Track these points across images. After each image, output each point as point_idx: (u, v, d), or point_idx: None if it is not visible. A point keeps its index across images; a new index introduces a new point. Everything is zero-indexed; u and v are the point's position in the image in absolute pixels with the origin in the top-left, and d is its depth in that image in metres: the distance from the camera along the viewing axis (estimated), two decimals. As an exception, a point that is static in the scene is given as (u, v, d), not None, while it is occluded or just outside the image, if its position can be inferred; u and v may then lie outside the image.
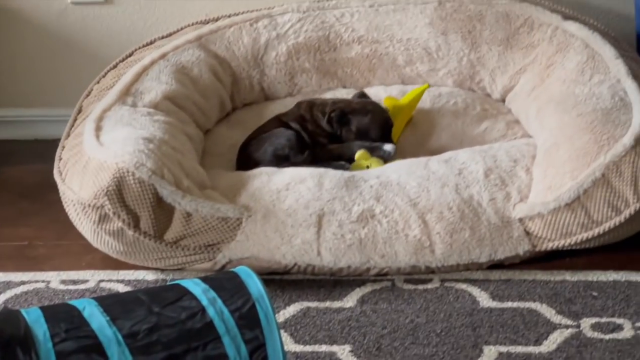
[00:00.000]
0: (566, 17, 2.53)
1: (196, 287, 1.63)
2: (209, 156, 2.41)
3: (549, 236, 2.07)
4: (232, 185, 2.18)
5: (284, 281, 2.08)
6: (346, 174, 2.19)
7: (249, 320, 1.59)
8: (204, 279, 1.65)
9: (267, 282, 2.03)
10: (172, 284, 1.66)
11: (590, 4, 2.71)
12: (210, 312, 1.58)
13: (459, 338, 1.85)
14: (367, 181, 2.15)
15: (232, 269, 1.69)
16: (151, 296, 1.61)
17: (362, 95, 2.48)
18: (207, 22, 2.66)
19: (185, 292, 1.61)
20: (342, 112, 2.37)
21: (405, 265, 2.07)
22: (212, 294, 1.61)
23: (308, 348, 1.86)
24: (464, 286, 2.02)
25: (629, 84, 2.24)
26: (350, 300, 2.00)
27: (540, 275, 2.04)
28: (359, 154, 2.33)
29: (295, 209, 2.09)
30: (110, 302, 1.60)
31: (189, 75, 2.50)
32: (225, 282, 1.64)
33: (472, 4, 2.59)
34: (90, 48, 2.82)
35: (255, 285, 1.63)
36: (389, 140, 2.37)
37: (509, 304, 1.95)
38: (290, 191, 2.13)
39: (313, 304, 1.99)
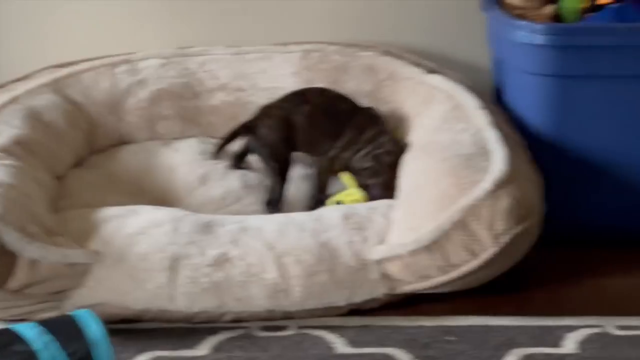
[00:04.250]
0: (429, 70, 2.57)
1: (30, 331, 1.55)
2: (61, 199, 2.31)
3: (407, 278, 2.05)
4: (84, 230, 2.09)
5: (135, 330, 2.00)
6: (205, 218, 2.14)
7: (86, 364, 1.51)
8: (40, 322, 1.58)
9: (117, 331, 1.97)
10: (4, 328, 1.58)
11: (451, 58, 2.76)
12: (44, 356, 1.51)
13: (314, 384, 1.81)
14: (225, 226, 2.11)
15: (71, 312, 1.61)
16: (-21, 341, 1.52)
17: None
18: (63, 65, 2.58)
19: (18, 336, 1.53)
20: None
21: (261, 309, 2.02)
22: (47, 337, 1.54)
23: (156, 398, 1.78)
24: (321, 332, 1.98)
25: (490, 132, 2.27)
26: (204, 348, 1.93)
27: (399, 321, 2.02)
28: (345, 177, 2.35)
29: (148, 253, 2.03)
30: None
31: (41, 121, 2.40)
32: (62, 325, 1.57)
33: (337, 55, 2.60)
34: None
35: (94, 329, 1.56)
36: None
37: (366, 350, 1.91)
38: (145, 235, 2.07)
39: (165, 353, 1.92)
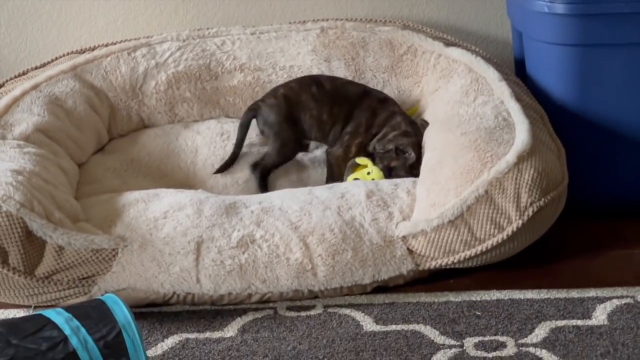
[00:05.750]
0: (448, 43, 2.54)
1: (59, 317, 1.55)
2: (84, 185, 2.32)
3: (432, 254, 2.04)
4: (107, 215, 2.09)
5: (162, 313, 2.00)
6: (228, 200, 2.13)
7: (115, 348, 1.52)
8: (68, 308, 1.58)
9: (144, 315, 1.98)
10: (32, 314, 1.58)
11: (470, 31, 2.73)
12: (74, 341, 1.50)
13: (342, 363, 1.80)
14: (249, 207, 2.10)
15: (99, 297, 1.61)
16: (9, 327, 1.52)
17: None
18: (83, 51, 2.58)
19: (47, 322, 1.53)
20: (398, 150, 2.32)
21: (287, 290, 2.01)
22: (76, 322, 1.53)
23: (186, 380, 1.79)
24: (347, 311, 1.97)
25: (512, 105, 2.25)
26: (231, 330, 1.93)
27: (424, 297, 2.01)
28: (360, 159, 2.33)
29: (173, 237, 2.02)
30: (-35, 337, 1.50)
31: (63, 107, 2.41)
32: (90, 310, 1.56)
33: (354, 31, 2.57)
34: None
35: (121, 312, 1.56)
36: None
37: (393, 327, 1.90)
38: (168, 219, 2.06)
39: (192, 335, 1.91)
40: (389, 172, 2.31)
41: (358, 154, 2.36)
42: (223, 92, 2.57)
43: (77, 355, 1.49)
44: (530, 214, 2.04)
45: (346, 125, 2.38)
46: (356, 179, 2.30)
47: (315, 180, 2.38)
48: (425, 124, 2.36)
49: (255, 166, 2.36)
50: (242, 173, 2.38)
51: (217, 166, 2.40)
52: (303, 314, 1.97)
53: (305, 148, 2.45)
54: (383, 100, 2.41)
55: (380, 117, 2.37)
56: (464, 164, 2.11)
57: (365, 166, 2.33)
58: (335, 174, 2.35)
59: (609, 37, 2.21)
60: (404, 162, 2.30)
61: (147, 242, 2.02)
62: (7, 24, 2.69)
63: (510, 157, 2.08)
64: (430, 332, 1.88)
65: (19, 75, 2.52)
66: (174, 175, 2.40)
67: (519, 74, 2.52)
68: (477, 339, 1.85)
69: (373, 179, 2.27)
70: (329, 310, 1.98)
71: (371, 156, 2.36)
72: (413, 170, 2.26)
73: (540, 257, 2.14)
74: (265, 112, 2.38)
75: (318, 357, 1.82)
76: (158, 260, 2.01)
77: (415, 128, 2.35)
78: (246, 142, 2.43)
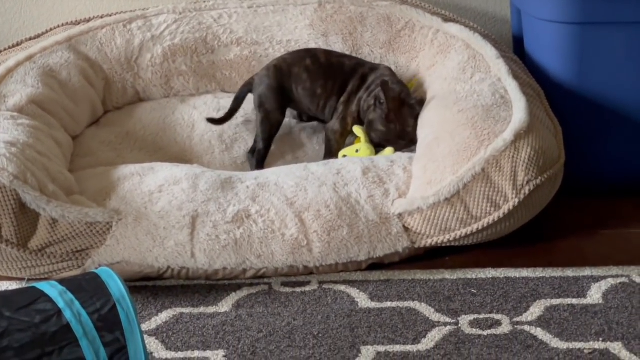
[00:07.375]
0: (446, 19, 2.53)
1: (52, 290, 1.53)
2: (78, 158, 2.31)
3: (428, 232, 2.04)
4: (102, 188, 2.08)
5: (157, 287, 2.00)
6: (224, 175, 2.12)
7: (109, 322, 1.50)
8: (62, 281, 1.56)
9: (139, 289, 1.98)
10: (26, 287, 1.57)
11: (468, 7, 2.72)
12: (67, 314, 1.49)
13: (336, 339, 1.80)
14: (244, 182, 2.09)
15: (93, 270, 1.60)
16: (2, 300, 1.51)
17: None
18: (78, 23, 2.56)
19: (40, 295, 1.52)
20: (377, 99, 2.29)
21: (282, 266, 2.01)
22: (70, 295, 1.52)
23: (180, 354, 1.78)
24: (342, 287, 1.97)
25: (509, 82, 2.24)
26: (225, 305, 1.92)
27: (420, 275, 2.00)
28: (357, 128, 2.32)
29: (168, 211, 2.02)
30: (-44, 309, 1.49)
31: (57, 79, 2.39)
32: (84, 283, 1.55)
33: (352, 6, 2.56)
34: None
35: (116, 286, 1.54)
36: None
37: (388, 304, 1.90)
38: (164, 193, 2.05)
39: (186, 310, 1.91)
40: (369, 127, 2.29)
41: (355, 122, 2.35)
42: (219, 66, 2.55)
43: (70, 328, 1.47)
44: (527, 192, 2.04)
45: (340, 96, 2.37)
46: (344, 156, 2.28)
47: (311, 158, 2.36)
48: (422, 100, 2.35)
49: (251, 152, 2.35)
50: (242, 153, 2.37)
51: (214, 142, 2.38)
52: (298, 289, 1.97)
53: (300, 118, 2.46)
54: (375, 67, 2.40)
55: (369, 81, 2.36)
56: (460, 142, 2.10)
57: (357, 148, 2.32)
58: (333, 150, 2.34)
59: (609, 16, 2.20)
60: (380, 115, 2.28)
61: (142, 215, 2.01)
62: (1, -7, 2.68)
63: (508, 135, 2.07)
64: (426, 310, 1.88)
65: (13, 46, 2.50)
66: (169, 149, 2.38)
67: (517, 51, 2.50)
68: (472, 317, 1.85)
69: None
70: (324, 286, 1.97)
71: (361, 117, 2.35)
72: (390, 122, 2.26)
73: (536, 236, 2.13)
74: (257, 84, 2.38)
75: (313, 333, 1.81)
76: (153, 234, 2.00)
77: (402, 86, 2.32)
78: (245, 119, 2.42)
